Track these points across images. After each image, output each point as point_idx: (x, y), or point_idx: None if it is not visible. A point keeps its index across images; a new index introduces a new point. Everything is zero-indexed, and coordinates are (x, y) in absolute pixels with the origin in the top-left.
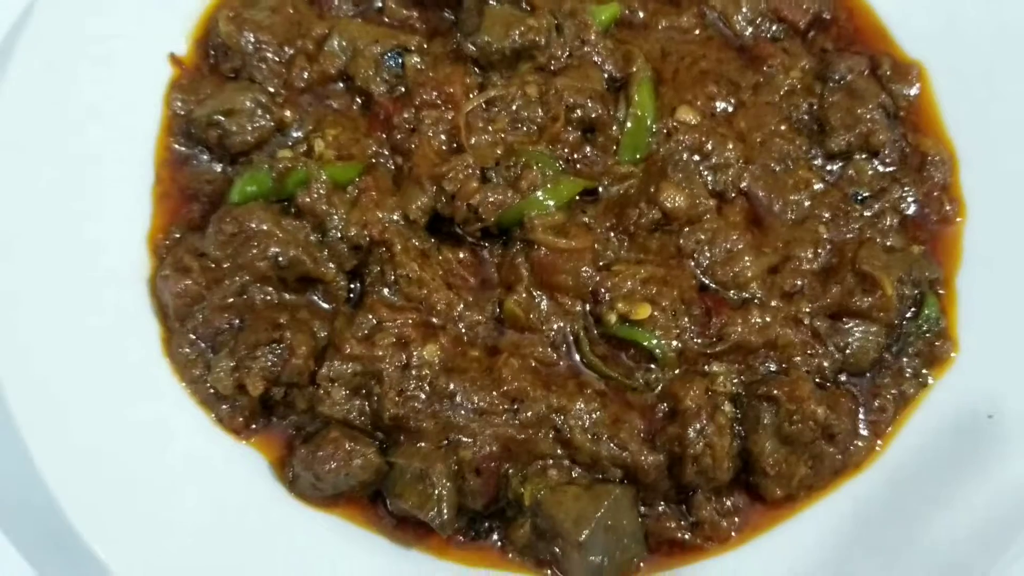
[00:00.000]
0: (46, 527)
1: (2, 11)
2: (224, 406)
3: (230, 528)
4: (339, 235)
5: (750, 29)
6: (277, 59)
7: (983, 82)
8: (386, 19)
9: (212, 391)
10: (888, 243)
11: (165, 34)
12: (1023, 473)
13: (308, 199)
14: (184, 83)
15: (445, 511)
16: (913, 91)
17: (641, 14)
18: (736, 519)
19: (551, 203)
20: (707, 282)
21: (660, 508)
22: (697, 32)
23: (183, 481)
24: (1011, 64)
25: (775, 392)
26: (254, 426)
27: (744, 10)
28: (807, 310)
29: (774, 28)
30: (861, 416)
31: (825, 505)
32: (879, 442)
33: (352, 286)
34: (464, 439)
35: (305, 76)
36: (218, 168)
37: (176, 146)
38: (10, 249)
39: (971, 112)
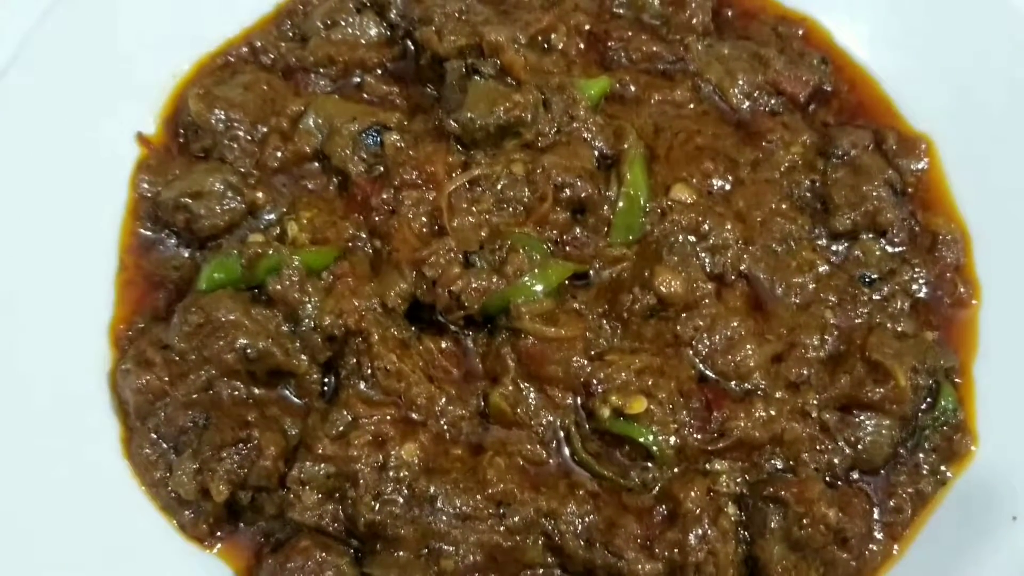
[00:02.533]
0: None
1: None
2: (187, 512)
3: None
4: (312, 325)
5: (748, 103)
6: (249, 138)
7: (995, 155)
8: (365, 95)
9: (174, 495)
10: (899, 329)
11: (132, 113)
12: None
13: (280, 287)
14: (152, 164)
15: None
16: (921, 166)
17: (632, 88)
18: None
19: (539, 289)
20: (707, 372)
21: None
22: (692, 106)
23: None
24: (1018, 133)
25: (782, 493)
26: (219, 533)
27: (741, 83)
28: (815, 402)
29: (773, 101)
30: (876, 517)
31: None
32: (896, 547)
33: (326, 380)
34: (446, 547)
35: (279, 155)
36: (186, 253)
37: (142, 230)
38: None
39: (983, 187)
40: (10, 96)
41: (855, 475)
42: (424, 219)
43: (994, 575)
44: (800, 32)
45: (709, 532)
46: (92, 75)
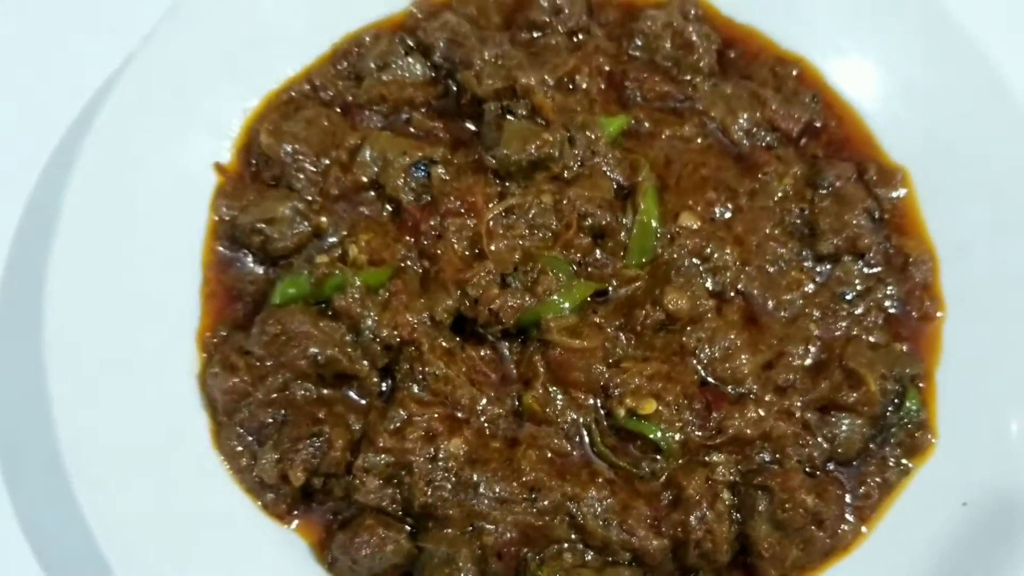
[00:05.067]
0: None
1: (56, 119)
2: (269, 494)
3: None
4: (372, 335)
5: (747, 138)
6: (314, 168)
7: (962, 184)
8: (413, 130)
9: (258, 480)
10: (873, 340)
11: (209, 144)
12: (990, 559)
13: (344, 303)
14: (228, 190)
15: None
16: (897, 194)
17: (647, 124)
18: None
19: (566, 306)
20: (707, 378)
21: None
22: (699, 141)
23: (233, 556)
24: (987, 167)
25: (769, 482)
26: (296, 512)
27: (741, 121)
28: (798, 404)
29: (768, 137)
30: (848, 502)
31: None
32: (864, 527)
33: (384, 382)
34: (487, 526)
35: (339, 184)
36: (260, 270)
37: (221, 248)
38: (80, 346)
39: (951, 213)
40: (107, 132)
41: (831, 466)
42: (466, 243)
43: (945, 552)
44: (795, 72)
45: (707, 514)
46: (177, 112)
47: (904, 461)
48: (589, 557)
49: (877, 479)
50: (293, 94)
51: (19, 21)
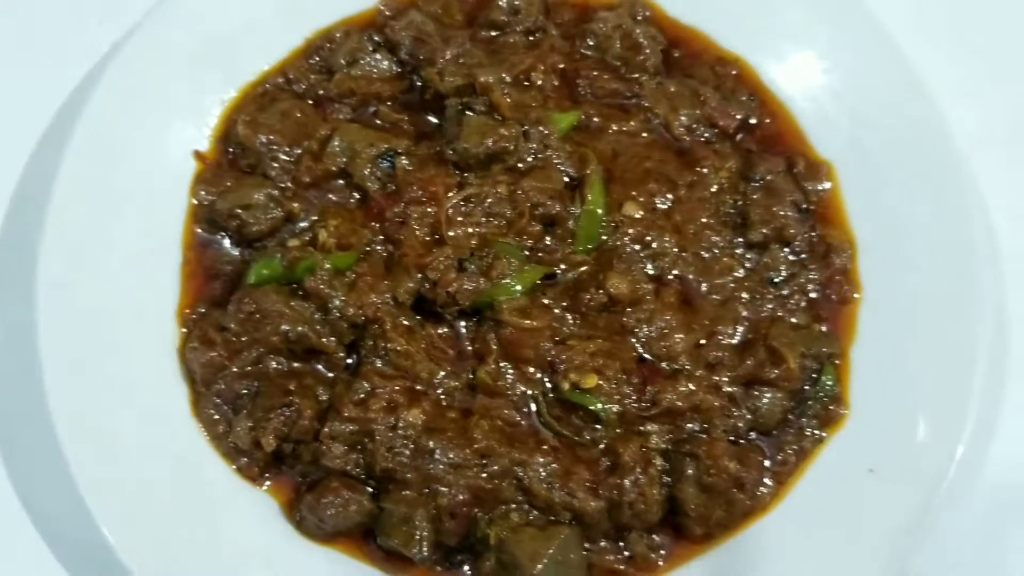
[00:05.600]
0: (87, 540)
1: (45, 107)
2: (243, 458)
3: (248, 558)
4: (339, 314)
5: (687, 134)
6: (287, 157)
7: (881, 178)
8: (379, 122)
9: (233, 445)
10: (795, 321)
11: (190, 133)
12: (891, 520)
13: (314, 284)
14: (207, 176)
15: (425, 549)
16: (823, 187)
17: (596, 119)
18: (663, 552)
19: (517, 288)
20: (645, 355)
21: (602, 544)
22: (644, 135)
23: (210, 515)
24: (903, 163)
25: (697, 450)
26: (267, 475)
27: (683, 117)
28: (726, 379)
29: (707, 133)
30: (768, 467)
31: (737, 541)
32: (782, 489)
33: (350, 357)
34: (442, 488)
35: (311, 173)
36: (236, 252)
37: (200, 231)
38: (71, 322)
39: (871, 205)
40: (95, 121)
41: (753, 435)
42: (427, 229)
43: (852, 513)
44: (734, 72)
45: (641, 478)
46: (160, 102)
47: (819, 431)
48: (533, 517)
49: (794, 447)
50: (268, 86)
51: (8, 11)
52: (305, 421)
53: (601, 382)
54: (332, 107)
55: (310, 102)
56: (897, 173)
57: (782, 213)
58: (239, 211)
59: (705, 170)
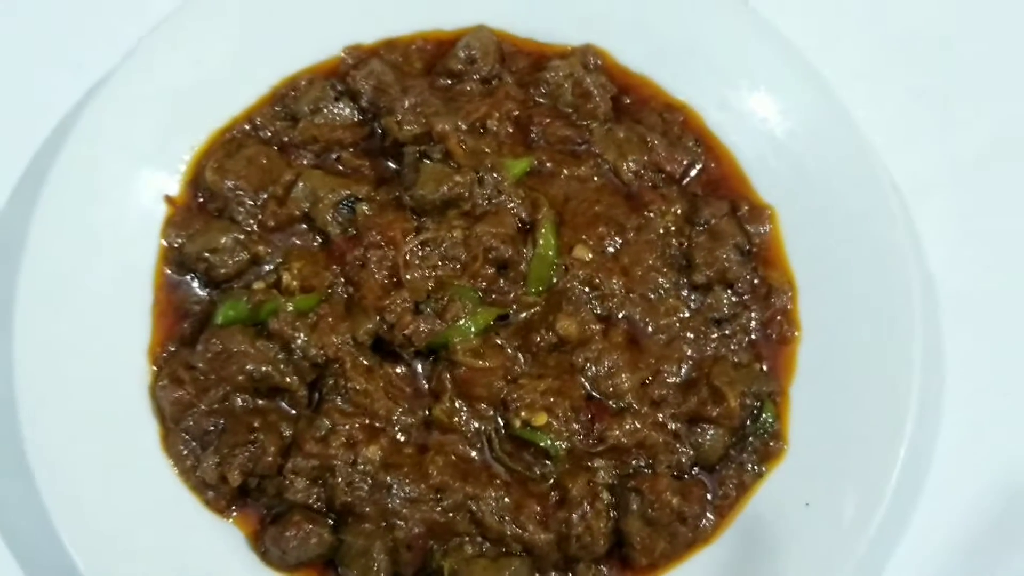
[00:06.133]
0: (60, 566)
1: (21, 149)
2: (210, 492)
3: None
4: (302, 354)
5: (635, 179)
6: (252, 202)
7: (819, 222)
8: (341, 167)
9: (201, 479)
10: (737, 360)
11: (160, 178)
12: (824, 551)
13: (277, 325)
14: (177, 220)
15: None
16: (765, 230)
17: (548, 165)
18: None
19: (472, 330)
20: (593, 393)
21: (552, 575)
22: (594, 180)
23: (180, 545)
24: (840, 207)
25: (641, 485)
26: (233, 508)
27: (631, 163)
28: (670, 416)
29: (655, 177)
30: (710, 500)
31: (680, 571)
32: (723, 521)
33: (312, 395)
34: (399, 522)
35: (275, 217)
36: (204, 293)
37: (170, 273)
38: (46, 360)
39: (810, 248)
40: (69, 166)
41: (696, 470)
42: (386, 272)
43: (789, 545)
44: (681, 119)
45: (588, 512)
46: (132, 148)
47: (759, 466)
48: (486, 549)
49: (735, 481)
50: (236, 133)
51: None
52: (269, 457)
53: (551, 420)
54: (296, 153)
55: (275, 148)
56: (836, 217)
57: (725, 256)
58: (207, 255)
59: (652, 214)
